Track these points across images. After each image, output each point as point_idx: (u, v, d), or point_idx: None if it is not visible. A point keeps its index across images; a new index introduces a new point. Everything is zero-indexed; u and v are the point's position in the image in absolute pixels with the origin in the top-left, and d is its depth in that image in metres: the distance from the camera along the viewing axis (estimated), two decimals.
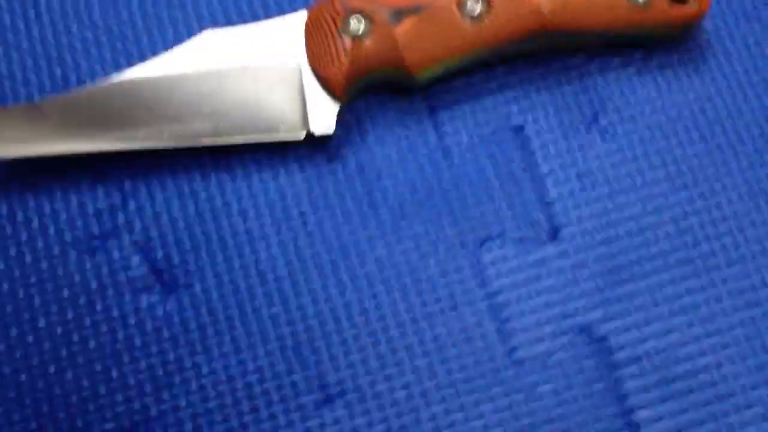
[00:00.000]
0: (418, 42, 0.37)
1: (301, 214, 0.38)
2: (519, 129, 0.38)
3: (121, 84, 0.37)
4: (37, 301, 0.37)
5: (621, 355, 0.36)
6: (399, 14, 0.37)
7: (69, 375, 0.36)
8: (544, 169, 0.38)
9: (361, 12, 0.37)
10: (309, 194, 0.38)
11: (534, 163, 0.38)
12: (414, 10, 0.37)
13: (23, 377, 0.36)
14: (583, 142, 0.38)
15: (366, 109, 0.39)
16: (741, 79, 0.39)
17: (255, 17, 0.40)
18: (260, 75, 0.37)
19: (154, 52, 0.39)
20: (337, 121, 0.38)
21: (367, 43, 0.37)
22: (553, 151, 0.38)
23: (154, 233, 0.38)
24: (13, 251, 0.38)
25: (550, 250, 0.37)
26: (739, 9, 0.40)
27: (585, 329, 0.36)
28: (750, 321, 0.36)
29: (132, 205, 0.38)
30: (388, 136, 0.38)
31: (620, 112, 0.38)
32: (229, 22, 0.40)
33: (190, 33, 0.40)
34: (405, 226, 0.37)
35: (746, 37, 0.39)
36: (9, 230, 0.38)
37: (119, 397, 0.36)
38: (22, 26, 0.40)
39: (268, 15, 0.40)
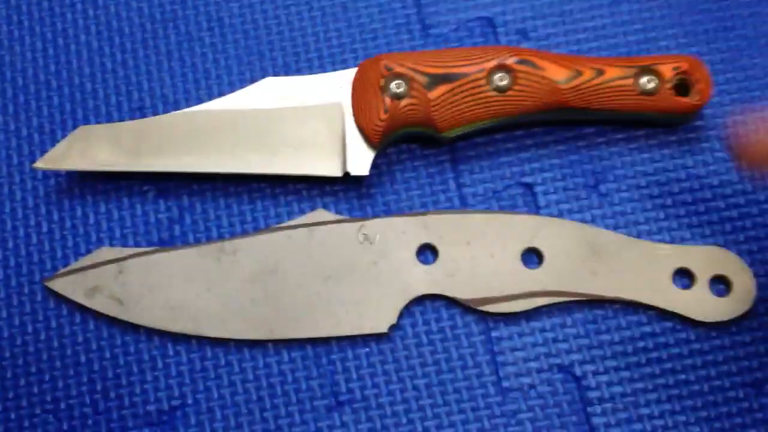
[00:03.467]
0: (449, 106, 0.41)
1: None
2: (529, 186, 0.43)
3: (191, 114, 0.43)
4: None
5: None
6: (434, 81, 0.41)
7: None
8: None
9: (402, 76, 0.41)
10: None
11: None
12: (447, 79, 0.41)
13: None
14: (584, 204, 0.43)
15: (397, 156, 0.44)
16: (730, 163, 0.43)
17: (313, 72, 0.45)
18: (308, 117, 0.42)
19: (222, 94, 0.45)
20: (371, 165, 0.42)
21: (404, 103, 0.41)
22: (556, 210, 0.43)
23: None
24: None
25: None
26: (738, 99, 0.44)
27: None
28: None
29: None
30: (414, 181, 0.44)
31: (619, 181, 0.43)
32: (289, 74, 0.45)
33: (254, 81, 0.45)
34: None
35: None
36: None
37: None
38: (112, 57, 0.46)
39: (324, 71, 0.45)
